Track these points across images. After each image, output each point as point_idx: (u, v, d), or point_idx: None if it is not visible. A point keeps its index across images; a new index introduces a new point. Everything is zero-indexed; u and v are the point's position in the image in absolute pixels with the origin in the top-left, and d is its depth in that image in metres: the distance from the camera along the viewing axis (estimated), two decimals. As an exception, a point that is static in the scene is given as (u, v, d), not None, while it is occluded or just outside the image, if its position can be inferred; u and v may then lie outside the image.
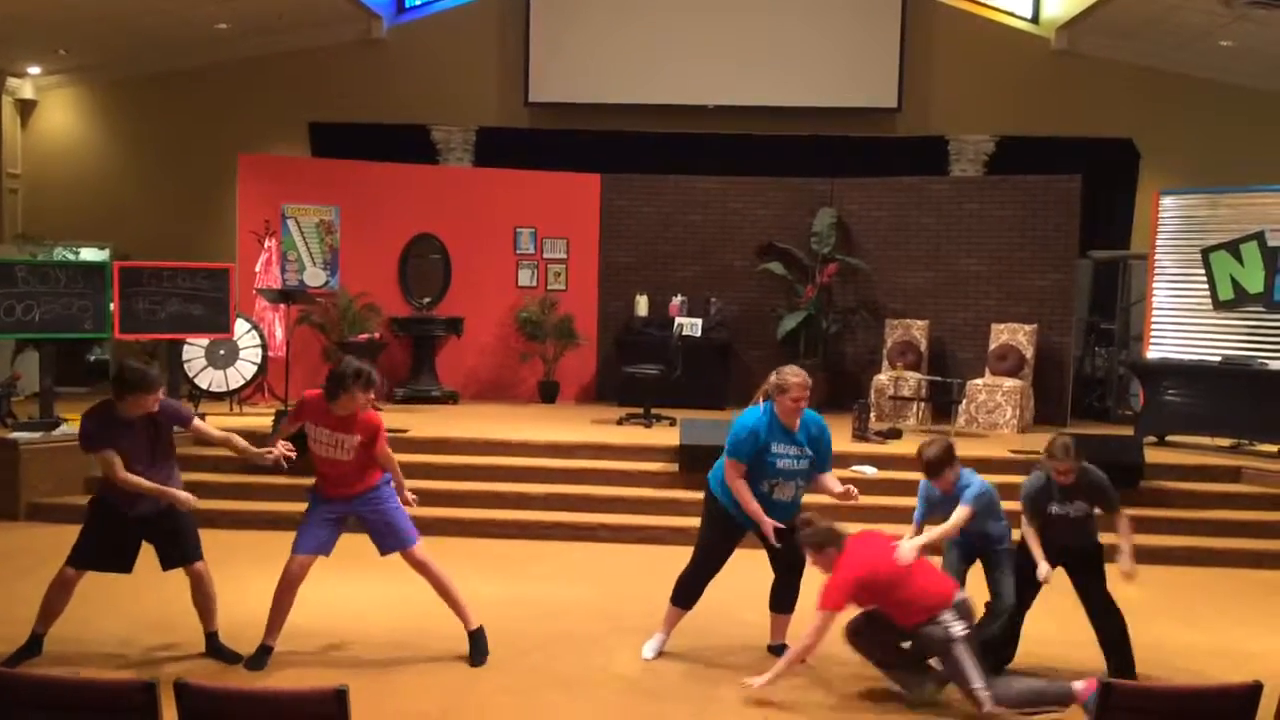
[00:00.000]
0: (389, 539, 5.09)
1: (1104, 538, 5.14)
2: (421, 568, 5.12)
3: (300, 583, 5.03)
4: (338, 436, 4.92)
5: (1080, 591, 5.09)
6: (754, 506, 4.97)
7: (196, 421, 5.08)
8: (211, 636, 5.09)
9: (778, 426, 4.99)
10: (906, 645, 4.79)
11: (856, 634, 4.83)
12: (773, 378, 5.06)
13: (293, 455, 5.14)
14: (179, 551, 5.01)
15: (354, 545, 6.84)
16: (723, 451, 5.10)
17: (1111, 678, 4.76)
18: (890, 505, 7.77)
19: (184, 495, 4.93)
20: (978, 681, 4.46)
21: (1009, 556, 5.11)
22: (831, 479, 5.18)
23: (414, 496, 5.28)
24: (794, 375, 4.99)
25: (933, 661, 4.72)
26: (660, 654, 5.20)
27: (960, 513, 4.97)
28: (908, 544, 4.75)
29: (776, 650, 5.19)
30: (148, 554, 5.06)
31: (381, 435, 5.02)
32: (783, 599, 5.24)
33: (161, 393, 4.89)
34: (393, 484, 5.15)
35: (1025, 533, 5.06)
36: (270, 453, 5.10)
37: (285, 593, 5.02)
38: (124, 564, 5.01)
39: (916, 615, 4.60)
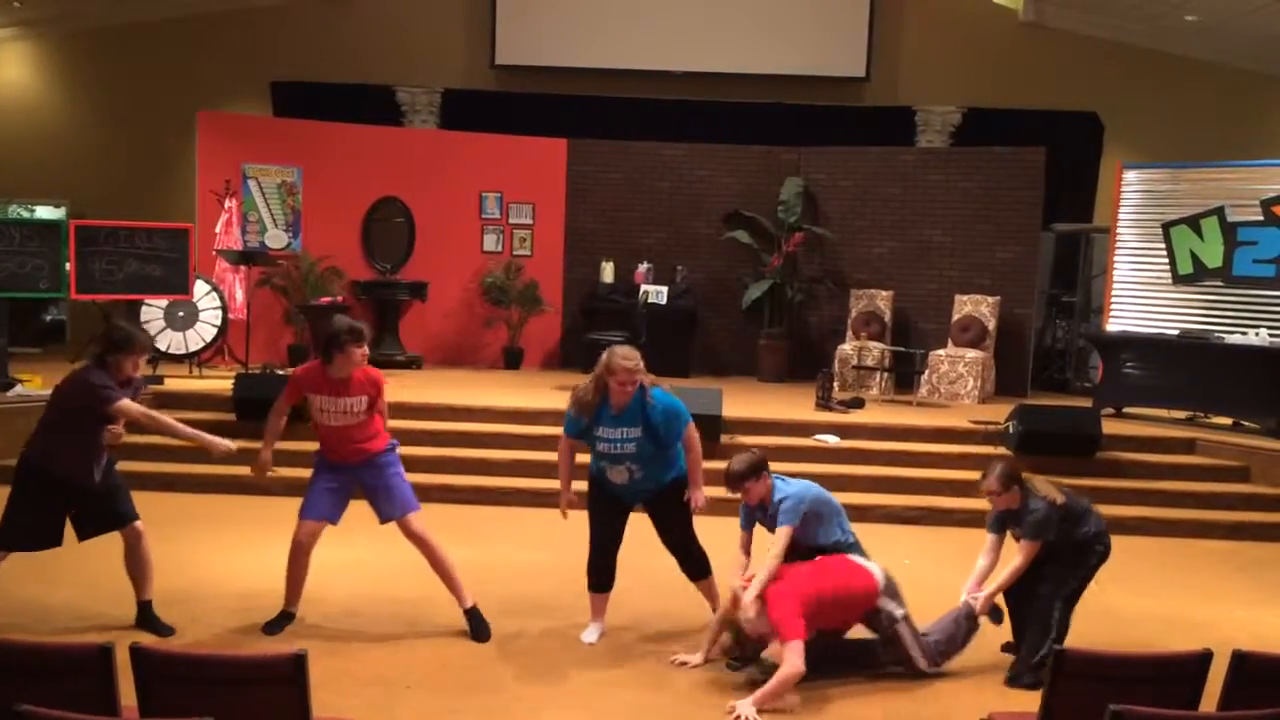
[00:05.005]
0: (388, 506, 4.96)
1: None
2: (418, 540, 4.97)
3: (310, 549, 4.89)
4: (343, 402, 4.81)
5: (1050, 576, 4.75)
6: (564, 477, 5.01)
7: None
8: (145, 605, 4.85)
9: (606, 408, 4.73)
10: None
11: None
12: (604, 357, 4.71)
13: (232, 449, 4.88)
14: (114, 513, 4.75)
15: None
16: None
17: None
18: (852, 474, 7.88)
19: (224, 442, 4.80)
20: (916, 652, 4.63)
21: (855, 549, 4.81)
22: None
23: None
24: (624, 359, 4.65)
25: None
26: (603, 634, 5.00)
27: (780, 535, 4.60)
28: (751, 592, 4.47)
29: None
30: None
31: (383, 390, 4.96)
32: (691, 570, 5.09)
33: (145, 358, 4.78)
34: (396, 450, 5.04)
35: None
36: (228, 446, 4.83)
37: (296, 561, 4.90)
38: (55, 538, 4.70)
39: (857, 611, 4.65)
